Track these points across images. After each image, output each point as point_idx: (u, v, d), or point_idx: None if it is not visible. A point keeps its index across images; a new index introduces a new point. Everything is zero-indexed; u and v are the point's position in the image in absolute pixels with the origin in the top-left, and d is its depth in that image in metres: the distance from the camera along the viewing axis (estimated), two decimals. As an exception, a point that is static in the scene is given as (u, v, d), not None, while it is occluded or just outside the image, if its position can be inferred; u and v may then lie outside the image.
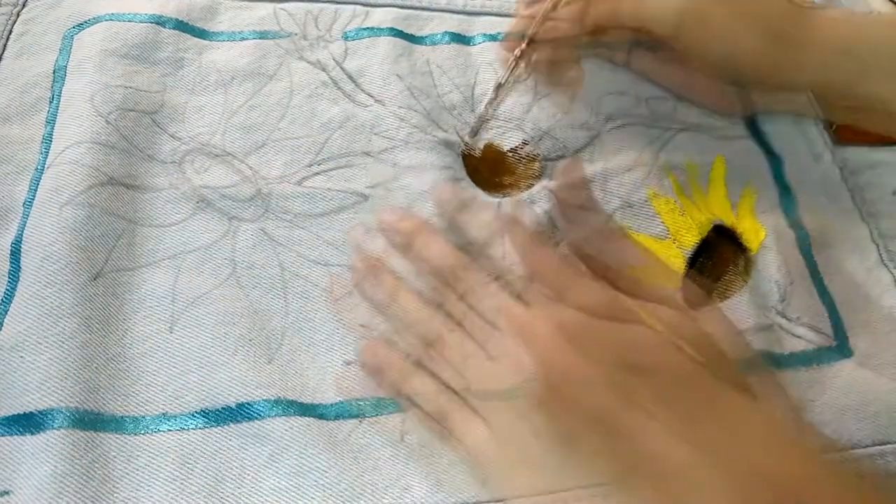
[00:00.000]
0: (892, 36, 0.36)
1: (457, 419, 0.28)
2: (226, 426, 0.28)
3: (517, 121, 0.38)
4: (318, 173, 0.35)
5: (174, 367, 0.29)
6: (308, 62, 0.39)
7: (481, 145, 0.38)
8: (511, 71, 0.38)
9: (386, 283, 0.31)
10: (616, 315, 0.27)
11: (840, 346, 0.33)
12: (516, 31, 0.38)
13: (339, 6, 0.41)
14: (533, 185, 0.36)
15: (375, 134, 0.36)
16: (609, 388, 0.25)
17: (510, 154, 0.38)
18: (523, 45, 0.37)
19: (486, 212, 0.34)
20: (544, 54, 0.38)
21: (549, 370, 0.26)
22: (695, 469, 0.24)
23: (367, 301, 0.31)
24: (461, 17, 0.43)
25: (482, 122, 0.38)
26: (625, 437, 0.25)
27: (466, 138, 0.37)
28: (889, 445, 0.30)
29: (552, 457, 0.25)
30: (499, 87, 0.38)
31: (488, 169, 0.37)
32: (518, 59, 0.37)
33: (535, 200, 0.35)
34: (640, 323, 0.27)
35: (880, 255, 0.36)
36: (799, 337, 0.33)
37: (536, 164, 0.37)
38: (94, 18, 0.38)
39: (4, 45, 0.37)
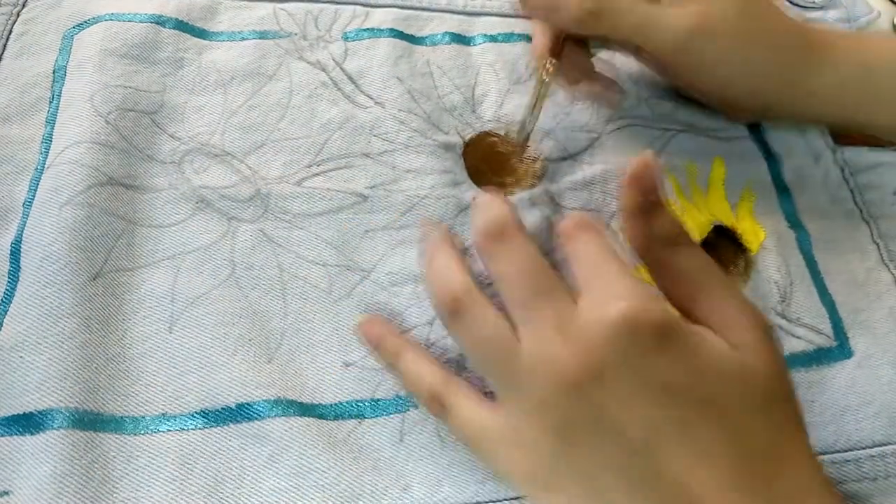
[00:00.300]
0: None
1: (454, 400, 0.26)
2: (225, 426, 0.28)
3: (518, 123, 0.38)
4: (317, 174, 0.35)
5: (174, 367, 0.29)
6: (308, 62, 0.39)
7: (483, 146, 0.38)
8: (543, 88, 0.36)
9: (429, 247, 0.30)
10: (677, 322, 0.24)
11: (840, 347, 0.33)
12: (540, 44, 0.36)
13: (339, 6, 0.41)
14: (534, 186, 0.36)
15: (375, 136, 0.36)
16: (654, 410, 0.23)
17: (512, 155, 0.38)
18: (547, 65, 0.35)
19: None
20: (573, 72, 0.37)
21: (584, 367, 0.23)
22: None
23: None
24: (461, 17, 0.43)
25: (526, 135, 0.37)
26: (662, 481, 0.22)
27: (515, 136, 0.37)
28: (889, 446, 0.30)
29: (577, 445, 0.23)
30: (536, 103, 0.36)
31: (489, 170, 0.37)
32: (548, 73, 0.36)
33: (535, 203, 0.35)
34: (708, 336, 0.24)
35: (881, 255, 0.36)
36: (799, 337, 0.33)
37: (538, 166, 0.37)
38: (93, 18, 0.38)
39: (4, 45, 0.37)
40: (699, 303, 0.25)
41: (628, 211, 0.26)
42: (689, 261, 0.26)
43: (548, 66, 0.35)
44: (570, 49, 0.36)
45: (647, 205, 0.25)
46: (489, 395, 0.26)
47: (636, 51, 0.38)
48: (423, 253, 0.31)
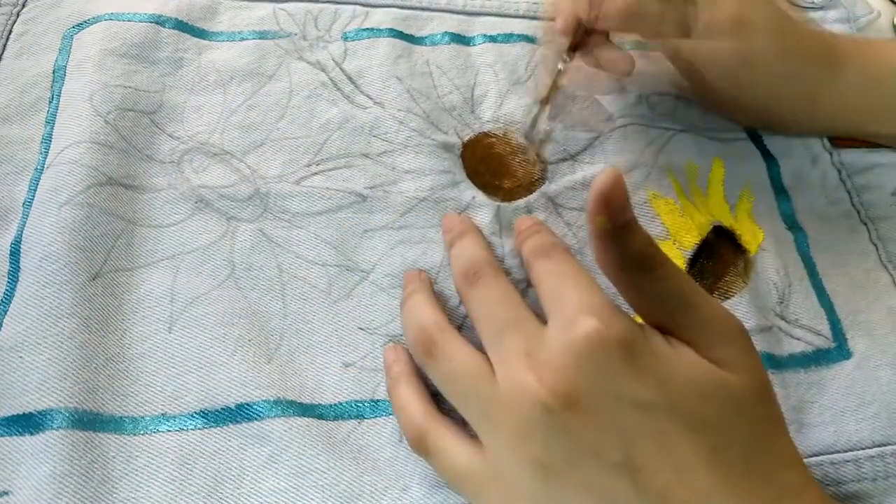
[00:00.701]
0: None
1: (436, 442, 0.26)
2: (225, 427, 0.28)
3: (518, 124, 0.38)
4: (316, 173, 0.35)
5: (173, 367, 0.29)
6: (307, 62, 0.39)
7: (482, 146, 0.38)
8: (555, 84, 0.36)
9: (409, 278, 0.31)
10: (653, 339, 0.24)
11: (839, 348, 0.33)
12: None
13: (338, 6, 0.41)
14: (534, 188, 0.36)
15: (374, 136, 0.36)
16: (629, 428, 0.22)
17: (511, 156, 0.38)
18: (560, 66, 0.35)
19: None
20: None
21: (555, 393, 0.23)
22: None
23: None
24: (461, 17, 0.43)
25: (534, 132, 0.37)
26: (644, 499, 0.22)
27: (525, 139, 0.37)
28: (889, 447, 0.30)
29: (556, 468, 0.23)
30: (555, 81, 0.36)
31: (488, 171, 0.37)
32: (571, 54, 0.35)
33: (532, 209, 0.35)
34: (678, 347, 0.24)
35: (879, 256, 0.36)
36: (797, 339, 0.33)
37: (538, 168, 0.37)
38: (93, 18, 0.38)
39: (4, 45, 0.37)
40: (678, 325, 0.24)
41: (597, 234, 0.24)
42: (665, 283, 0.24)
43: (565, 57, 0.35)
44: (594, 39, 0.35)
45: (617, 226, 0.23)
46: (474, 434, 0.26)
47: (671, 55, 0.38)
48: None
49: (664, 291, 0.24)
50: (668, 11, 0.33)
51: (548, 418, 0.23)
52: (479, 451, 0.25)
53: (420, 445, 0.27)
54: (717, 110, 0.40)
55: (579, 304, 0.24)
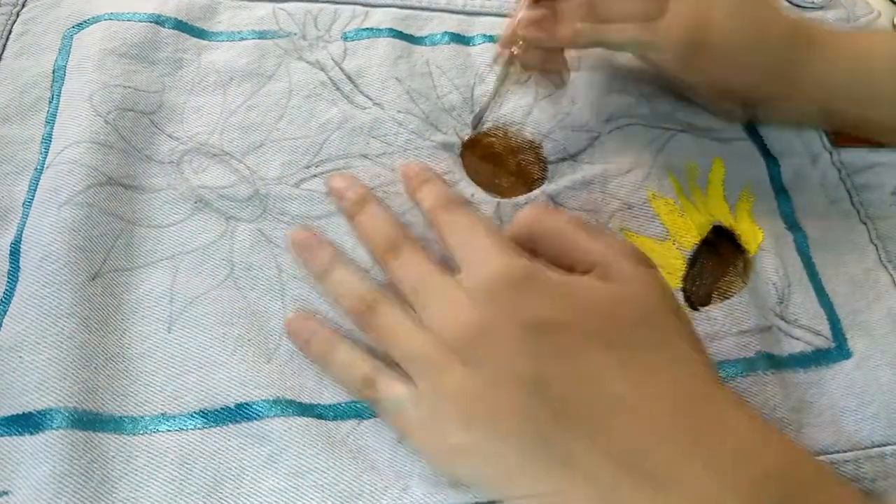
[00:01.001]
0: (893, 63, 0.36)
1: (382, 382, 0.28)
2: (225, 426, 0.28)
3: (518, 124, 0.38)
4: (315, 175, 0.35)
5: (173, 367, 0.29)
6: (307, 62, 0.39)
7: (482, 146, 0.38)
8: (504, 75, 0.37)
9: (322, 255, 0.31)
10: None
11: (839, 348, 0.33)
12: (507, 33, 0.37)
13: (338, 6, 0.41)
14: (534, 188, 0.36)
15: (373, 137, 0.36)
16: (537, 348, 0.25)
17: (510, 156, 0.38)
18: (513, 50, 0.36)
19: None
20: (534, 58, 0.37)
21: (469, 325, 0.26)
22: (683, 474, 0.23)
23: (307, 272, 0.32)
24: (461, 17, 0.43)
25: (479, 121, 0.38)
26: (559, 413, 0.24)
27: (466, 136, 0.37)
28: (889, 447, 0.30)
29: (477, 420, 0.25)
30: (496, 91, 0.38)
31: (488, 171, 0.37)
32: (508, 62, 0.37)
33: None
34: (576, 276, 0.27)
35: (879, 256, 0.36)
36: (797, 339, 0.33)
37: (537, 168, 0.37)
38: (93, 18, 0.38)
39: (4, 45, 0.37)
40: (574, 253, 0.28)
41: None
42: (562, 222, 0.29)
43: (514, 49, 0.36)
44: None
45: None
46: None
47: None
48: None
49: (552, 229, 0.29)
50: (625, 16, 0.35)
51: (462, 349, 0.25)
52: (414, 390, 0.27)
53: (368, 389, 0.28)
54: (705, 101, 0.40)
55: (485, 249, 0.28)
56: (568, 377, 0.24)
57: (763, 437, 0.24)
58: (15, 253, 0.30)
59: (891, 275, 0.36)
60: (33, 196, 0.32)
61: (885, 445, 0.30)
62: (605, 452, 0.23)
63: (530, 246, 0.29)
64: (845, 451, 0.30)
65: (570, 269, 0.28)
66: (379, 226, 0.32)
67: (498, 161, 0.37)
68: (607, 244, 0.28)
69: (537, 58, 0.37)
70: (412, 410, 0.27)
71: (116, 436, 0.27)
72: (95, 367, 0.28)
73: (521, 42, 0.36)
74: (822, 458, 0.30)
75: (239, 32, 0.39)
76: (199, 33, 0.39)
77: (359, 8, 0.42)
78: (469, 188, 0.35)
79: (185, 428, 0.28)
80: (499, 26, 0.42)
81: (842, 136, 0.40)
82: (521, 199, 0.35)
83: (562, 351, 0.25)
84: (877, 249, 0.37)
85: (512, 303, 0.26)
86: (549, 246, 0.29)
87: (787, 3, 0.47)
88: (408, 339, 0.27)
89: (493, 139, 0.38)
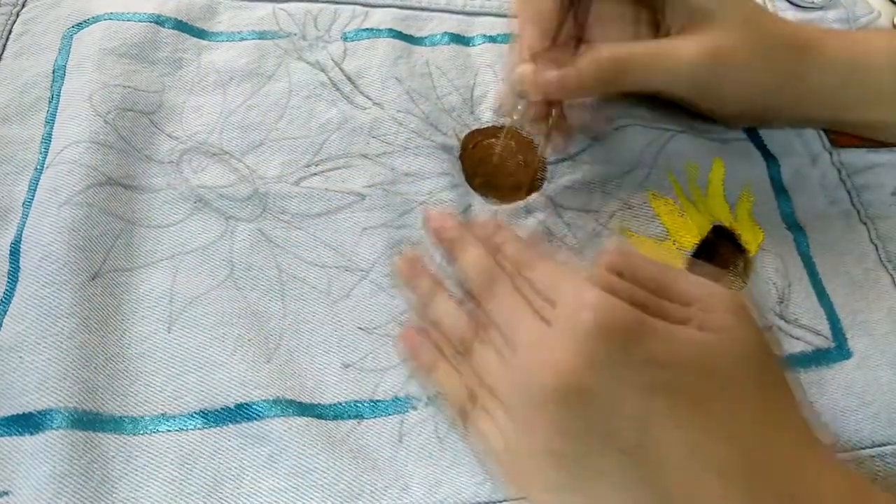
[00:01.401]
0: (892, 61, 0.36)
1: (475, 414, 0.27)
2: (225, 426, 0.28)
3: (517, 125, 0.38)
4: (315, 174, 0.35)
5: (173, 367, 0.29)
6: (307, 63, 0.39)
7: (482, 147, 0.38)
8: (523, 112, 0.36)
9: (423, 283, 0.31)
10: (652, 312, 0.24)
11: (839, 348, 0.33)
12: (511, 93, 0.36)
13: (338, 6, 0.41)
14: (534, 188, 0.36)
15: (373, 137, 0.36)
16: (639, 412, 0.23)
17: (510, 158, 0.38)
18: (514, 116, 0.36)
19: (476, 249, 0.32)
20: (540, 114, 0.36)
21: (566, 385, 0.23)
22: None
23: (407, 301, 0.32)
24: (461, 17, 0.43)
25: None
26: (659, 477, 0.23)
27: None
28: (889, 446, 0.30)
29: (568, 478, 0.24)
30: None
31: (488, 172, 0.37)
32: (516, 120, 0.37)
33: (531, 209, 0.35)
34: (677, 326, 0.24)
35: (879, 256, 0.36)
36: (797, 339, 0.33)
37: (537, 168, 0.37)
38: (93, 18, 0.38)
39: (4, 45, 0.37)
40: (670, 300, 0.26)
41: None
42: (648, 266, 0.26)
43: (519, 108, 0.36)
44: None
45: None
46: None
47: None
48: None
49: (651, 273, 0.26)
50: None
51: (558, 407, 0.24)
52: (504, 434, 0.26)
53: (462, 417, 0.28)
54: (701, 111, 0.40)
55: (581, 292, 0.25)
56: (671, 444, 0.23)
57: (857, 494, 0.24)
58: (15, 253, 0.30)
59: (891, 275, 0.36)
60: (33, 196, 0.32)
61: (885, 445, 0.31)
62: None
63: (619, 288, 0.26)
64: (845, 452, 0.30)
65: (662, 315, 0.25)
66: (476, 263, 0.31)
67: (497, 162, 0.37)
68: (707, 291, 0.26)
69: (542, 114, 0.36)
70: (503, 454, 0.26)
71: (116, 436, 0.27)
72: (95, 367, 0.28)
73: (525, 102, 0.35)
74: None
75: (239, 33, 0.39)
76: (199, 33, 0.39)
77: (359, 8, 0.42)
78: (468, 193, 0.35)
79: (185, 428, 0.28)
80: (499, 27, 0.42)
81: (842, 137, 0.40)
82: (521, 203, 0.35)
83: (668, 417, 0.23)
84: (877, 249, 0.37)
85: (615, 358, 0.23)
86: (643, 288, 0.26)
87: (787, 4, 0.47)
88: (502, 380, 0.27)
89: (493, 140, 0.38)
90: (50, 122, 0.34)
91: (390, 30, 0.41)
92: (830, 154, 0.40)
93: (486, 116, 0.38)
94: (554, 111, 0.36)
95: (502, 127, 0.38)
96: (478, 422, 0.27)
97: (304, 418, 0.28)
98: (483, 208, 0.35)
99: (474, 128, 0.38)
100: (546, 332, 0.25)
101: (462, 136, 0.37)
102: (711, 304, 0.25)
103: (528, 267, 0.29)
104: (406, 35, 0.41)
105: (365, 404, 0.29)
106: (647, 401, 0.23)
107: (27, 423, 0.27)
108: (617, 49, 0.33)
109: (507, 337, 0.27)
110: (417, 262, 0.32)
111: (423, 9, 0.42)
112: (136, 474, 0.26)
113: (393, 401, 0.29)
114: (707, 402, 0.23)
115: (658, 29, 0.35)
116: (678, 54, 0.34)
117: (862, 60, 0.36)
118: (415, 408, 0.29)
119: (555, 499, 0.25)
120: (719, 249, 0.36)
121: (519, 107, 0.36)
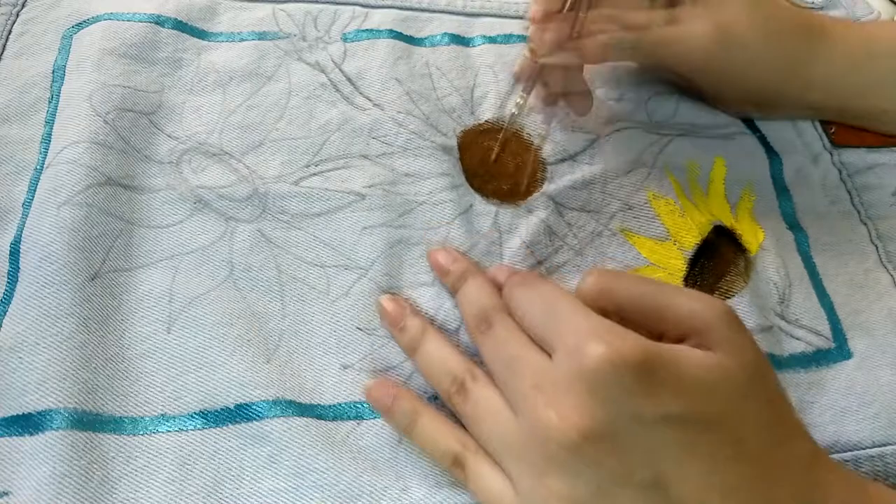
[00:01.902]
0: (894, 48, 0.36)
1: (471, 466, 0.26)
2: (224, 427, 0.28)
3: (517, 125, 0.38)
4: (315, 174, 0.35)
5: (172, 367, 0.29)
6: (307, 63, 0.39)
7: (481, 147, 0.38)
8: (524, 101, 0.37)
9: (412, 328, 0.30)
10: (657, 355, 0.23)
11: (839, 348, 0.33)
12: (525, 62, 0.36)
13: (338, 7, 0.41)
14: (534, 188, 0.36)
15: (374, 138, 0.36)
16: (653, 445, 0.22)
17: (510, 158, 0.38)
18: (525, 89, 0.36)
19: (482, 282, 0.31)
20: (557, 81, 0.36)
21: (575, 428, 0.23)
22: None
23: (396, 342, 0.31)
24: (461, 18, 0.43)
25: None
26: None
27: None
28: (889, 447, 0.30)
29: (583, 499, 0.23)
30: (513, 115, 0.37)
31: (487, 173, 0.37)
32: (529, 89, 0.37)
33: (532, 209, 0.35)
34: (684, 352, 0.24)
35: (879, 256, 0.36)
36: (798, 339, 0.33)
37: (537, 168, 0.37)
38: (93, 18, 0.38)
39: (4, 45, 0.37)
40: (665, 320, 0.25)
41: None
42: (631, 288, 0.26)
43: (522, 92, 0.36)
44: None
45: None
46: None
47: (657, 67, 0.39)
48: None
49: (642, 292, 0.26)
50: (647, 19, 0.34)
51: (570, 453, 0.23)
52: (509, 485, 0.25)
53: (457, 469, 0.27)
54: (706, 101, 0.40)
55: (579, 330, 0.24)
56: (688, 477, 0.23)
57: (863, 496, 0.24)
58: (15, 253, 0.30)
59: (891, 275, 0.36)
60: (33, 196, 0.32)
61: (885, 445, 0.31)
62: None
63: (611, 310, 0.26)
64: (845, 451, 0.30)
65: (657, 336, 0.25)
66: (475, 299, 0.29)
67: (497, 162, 0.37)
68: (702, 306, 0.25)
69: (560, 79, 0.36)
70: (506, 501, 0.25)
71: (116, 436, 0.27)
72: (95, 368, 0.28)
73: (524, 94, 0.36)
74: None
75: (238, 33, 0.39)
76: (199, 34, 0.39)
77: (358, 9, 0.42)
78: (468, 194, 0.35)
79: (184, 428, 0.28)
80: (499, 27, 0.42)
81: (842, 134, 0.40)
82: (522, 203, 0.35)
83: (684, 449, 0.23)
84: (877, 250, 0.37)
85: (626, 395, 0.22)
86: (633, 312, 0.26)
87: (787, 3, 0.47)
88: (504, 432, 0.25)
89: (493, 140, 0.38)
90: (50, 122, 0.34)
91: (390, 31, 0.41)
92: (831, 154, 0.40)
93: (486, 117, 0.38)
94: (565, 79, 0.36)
95: (502, 127, 0.38)
96: (480, 478, 0.26)
97: (304, 419, 0.28)
98: (483, 208, 0.35)
99: (473, 127, 0.38)
100: (549, 371, 0.24)
101: (461, 135, 0.37)
102: (705, 319, 0.25)
103: (528, 301, 0.28)
104: (406, 36, 0.41)
105: (365, 405, 0.29)
106: (660, 433, 0.23)
107: (27, 423, 0.27)
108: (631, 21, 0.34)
109: (507, 379, 0.26)
110: (404, 306, 0.31)
111: (423, 10, 0.42)
112: (136, 475, 0.26)
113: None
114: (716, 425, 0.23)
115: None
116: (689, 29, 0.34)
117: (870, 47, 0.36)
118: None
119: None
120: (720, 249, 0.36)
121: (518, 100, 0.36)
